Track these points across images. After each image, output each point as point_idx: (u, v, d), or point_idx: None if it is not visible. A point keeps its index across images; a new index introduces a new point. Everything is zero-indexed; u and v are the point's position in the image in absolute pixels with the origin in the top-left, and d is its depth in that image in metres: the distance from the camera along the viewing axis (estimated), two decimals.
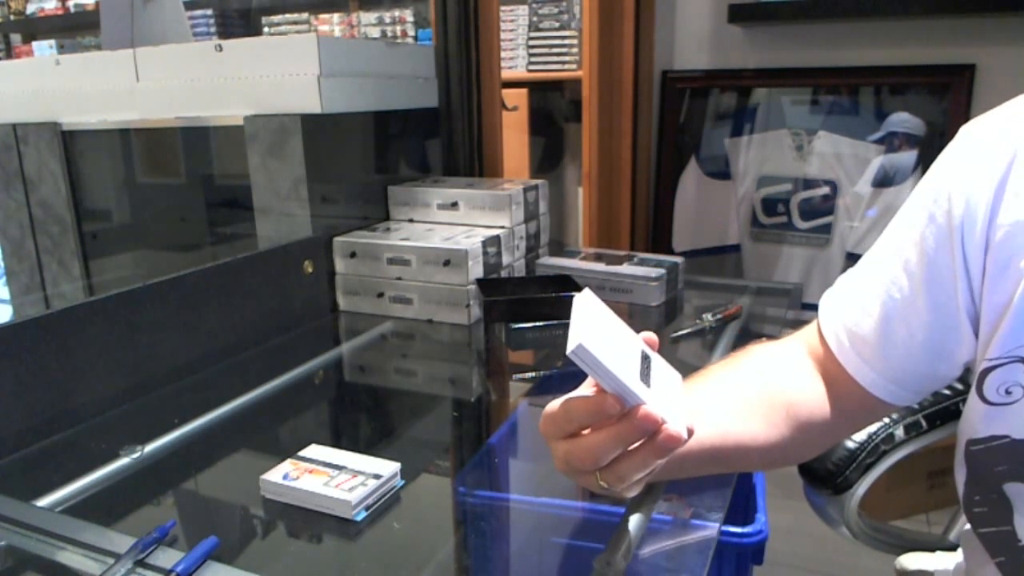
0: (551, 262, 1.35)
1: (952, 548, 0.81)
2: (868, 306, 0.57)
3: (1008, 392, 0.50)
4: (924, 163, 1.74)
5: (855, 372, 0.58)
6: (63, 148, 1.53)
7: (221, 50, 1.29)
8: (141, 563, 0.56)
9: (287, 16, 2.85)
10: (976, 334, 0.53)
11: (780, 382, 0.60)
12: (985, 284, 0.51)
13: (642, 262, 1.31)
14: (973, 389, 0.53)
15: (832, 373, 0.60)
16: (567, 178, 2.71)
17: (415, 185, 1.40)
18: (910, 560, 0.80)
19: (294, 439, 0.82)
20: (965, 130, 0.55)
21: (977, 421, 0.53)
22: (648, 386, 0.43)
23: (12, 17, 3.46)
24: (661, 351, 0.49)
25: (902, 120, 1.76)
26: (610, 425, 0.43)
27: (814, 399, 0.60)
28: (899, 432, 0.77)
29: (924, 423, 0.76)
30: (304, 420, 0.94)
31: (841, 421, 0.60)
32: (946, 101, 1.71)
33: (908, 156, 1.75)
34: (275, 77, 1.24)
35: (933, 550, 0.80)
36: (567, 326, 0.42)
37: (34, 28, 3.52)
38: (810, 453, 0.65)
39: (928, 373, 0.56)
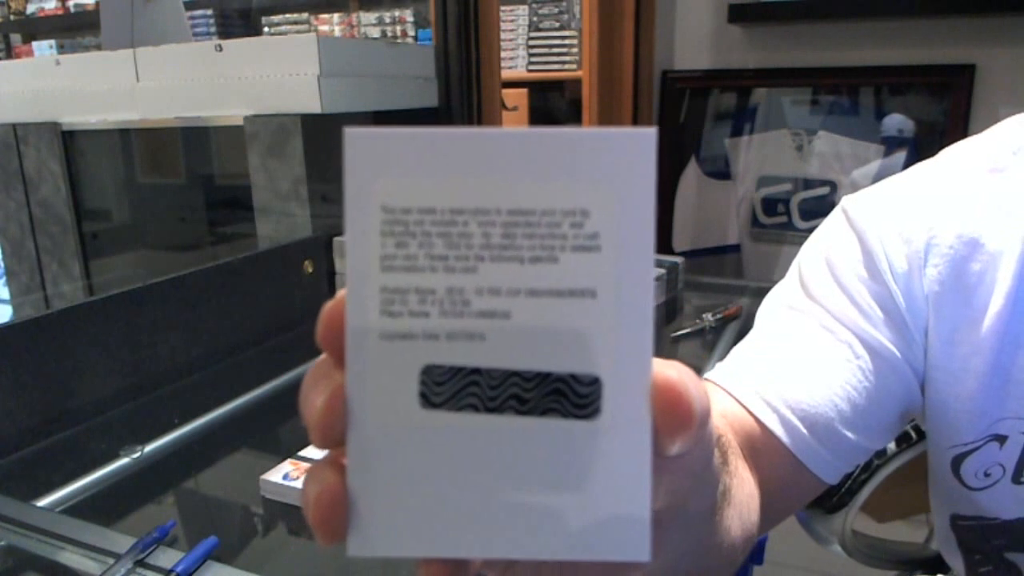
0: None
1: (939, 563, 0.80)
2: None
3: (987, 475, 0.48)
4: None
5: (819, 467, 0.47)
6: (63, 148, 1.53)
7: (221, 50, 1.29)
8: (141, 563, 0.56)
9: (287, 16, 2.85)
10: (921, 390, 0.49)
11: None
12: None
13: None
14: (948, 471, 0.50)
15: (774, 465, 0.47)
16: None
17: None
18: None
19: (294, 439, 0.82)
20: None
21: (958, 502, 0.51)
22: None
23: (12, 17, 3.46)
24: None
25: (899, 121, 1.76)
26: None
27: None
28: (891, 445, 0.76)
29: (914, 434, 0.76)
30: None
31: (768, 517, 0.47)
32: (946, 101, 1.71)
33: (908, 157, 1.75)
34: (275, 77, 1.24)
35: (934, 572, 0.80)
36: None
37: (34, 28, 3.52)
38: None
39: (867, 448, 0.49)
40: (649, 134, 0.20)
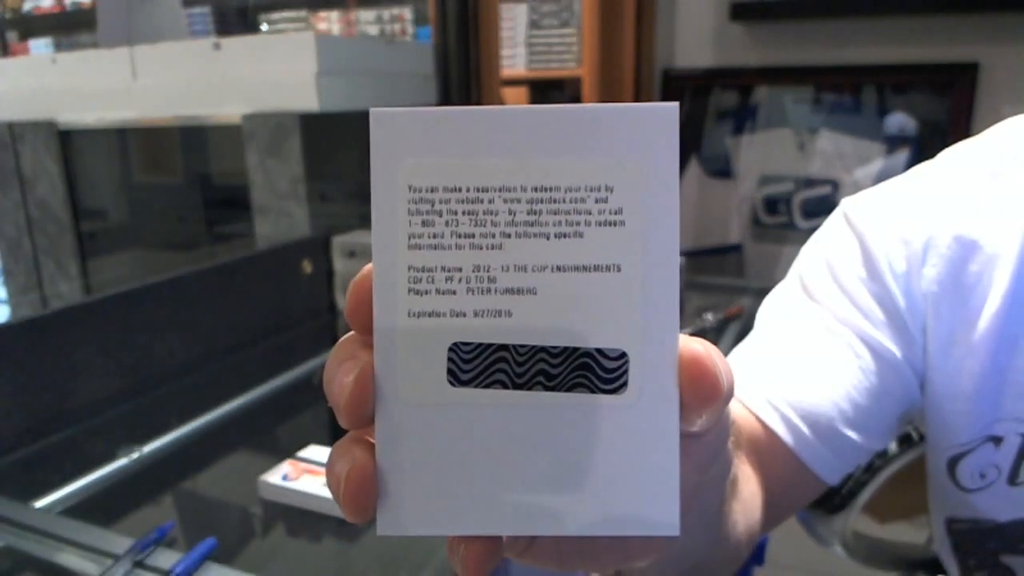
0: None
1: (940, 565, 0.80)
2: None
3: (983, 476, 0.48)
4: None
5: (821, 467, 0.47)
6: (60, 147, 1.53)
7: (219, 48, 1.28)
8: (140, 564, 0.56)
9: (285, 14, 2.84)
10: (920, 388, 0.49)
11: None
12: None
13: None
14: (944, 473, 0.49)
15: (776, 465, 0.47)
16: None
17: None
18: None
19: (293, 439, 0.81)
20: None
21: (953, 504, 0.51)
22: None
23: (8, 15, 3.45)
24: None
25: (902, 120, 1.76)
26: None
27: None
28: (892, 446, 0.75)
29: (915, 435, 0.75)
30: (303, 420, 0.93)
31: (770, 517, 0.47)
32: (949, 100, 1.70)
33: (910, 156, 1.75)
34: (273, 75, 1.23)
35: (935, 574, 0.79)
36: None
37: (30, 26, 3.51)
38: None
39: (869, 448, 0.49)
40: (671, 108, 0.20)
